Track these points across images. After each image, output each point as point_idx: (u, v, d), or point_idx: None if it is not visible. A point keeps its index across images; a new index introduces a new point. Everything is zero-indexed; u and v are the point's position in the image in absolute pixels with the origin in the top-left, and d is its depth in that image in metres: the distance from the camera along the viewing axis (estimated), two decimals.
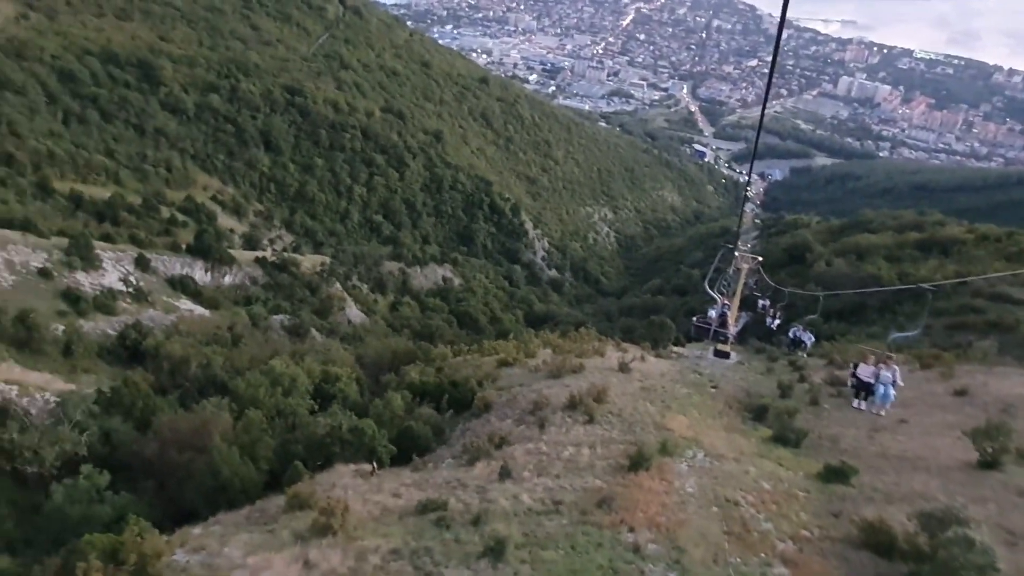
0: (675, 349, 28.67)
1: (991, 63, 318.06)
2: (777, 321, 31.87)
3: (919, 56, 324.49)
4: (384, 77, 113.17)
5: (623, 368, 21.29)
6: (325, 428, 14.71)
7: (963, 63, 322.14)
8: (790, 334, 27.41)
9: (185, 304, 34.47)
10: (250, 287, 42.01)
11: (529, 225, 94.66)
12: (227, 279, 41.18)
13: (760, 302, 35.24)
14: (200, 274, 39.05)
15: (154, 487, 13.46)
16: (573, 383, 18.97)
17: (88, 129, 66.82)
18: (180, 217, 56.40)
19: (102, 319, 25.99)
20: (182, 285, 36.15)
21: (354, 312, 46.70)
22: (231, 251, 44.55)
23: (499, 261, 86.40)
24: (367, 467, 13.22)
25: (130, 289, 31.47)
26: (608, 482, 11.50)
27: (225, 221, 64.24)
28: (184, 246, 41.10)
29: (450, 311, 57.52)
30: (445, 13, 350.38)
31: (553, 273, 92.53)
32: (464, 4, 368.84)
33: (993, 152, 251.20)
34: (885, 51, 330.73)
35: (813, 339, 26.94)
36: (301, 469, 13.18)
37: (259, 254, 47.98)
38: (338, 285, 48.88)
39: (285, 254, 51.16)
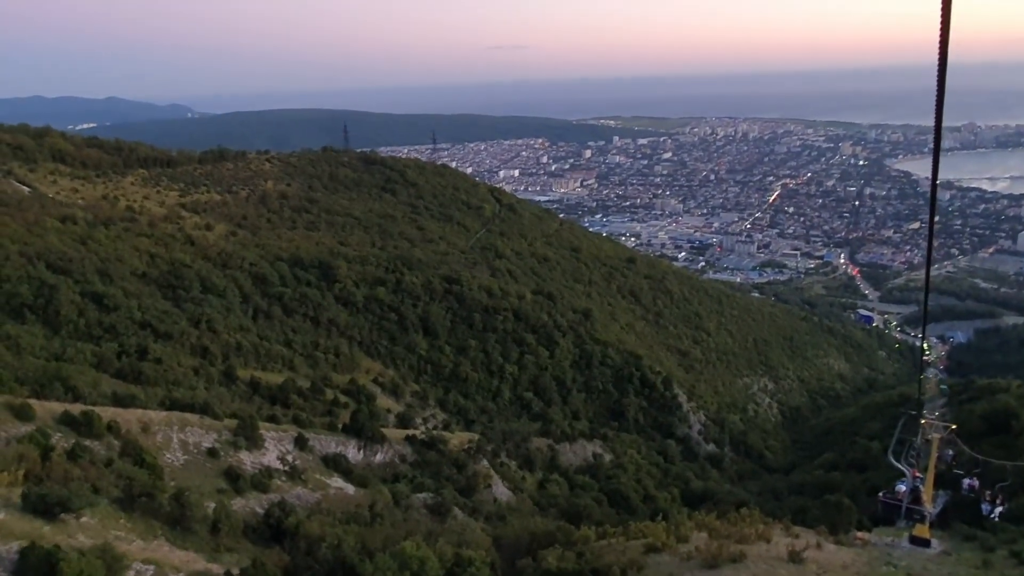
0: (859, 535, 24.35)
1: None
2: (1000, 508, 26.21)
3: None
4: (535, 263, 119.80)
5: (794, 558, 18.18)
6: None
7: None
8: None
9: (336, 482, 35.07)
10: (399, 464, 42.31)
11: (683, 398, 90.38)
12: (378, 457, 41.85)
13: (966, 481, 29.29)
14: (353, 452, 40.03)
15: None
16: (732, 575, 16.36)
17: (272, 323, 74.97)
18: (342, 399, 59.82)
19: (254, 497, 26.80)
20: (335, 463, 37.01)
21: (501, 490, 45.24)
22: (384, 429, 45.71)
23: (652, 436, 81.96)
24: None
25: (286, 467, 32.63)
26: None
27: (383, 401, 67.19)
28: (340, 425, 42.84)
29: (600, 489, 54.10)
30: (595, 204, 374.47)
31: (711, 447, 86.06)
32: (612, 195, 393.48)
33: None
34: None
35: None
36: None
37: (409, 432, 48.88)
38: (485, 462, 48.07)
39: (434, 432, 51.69)
